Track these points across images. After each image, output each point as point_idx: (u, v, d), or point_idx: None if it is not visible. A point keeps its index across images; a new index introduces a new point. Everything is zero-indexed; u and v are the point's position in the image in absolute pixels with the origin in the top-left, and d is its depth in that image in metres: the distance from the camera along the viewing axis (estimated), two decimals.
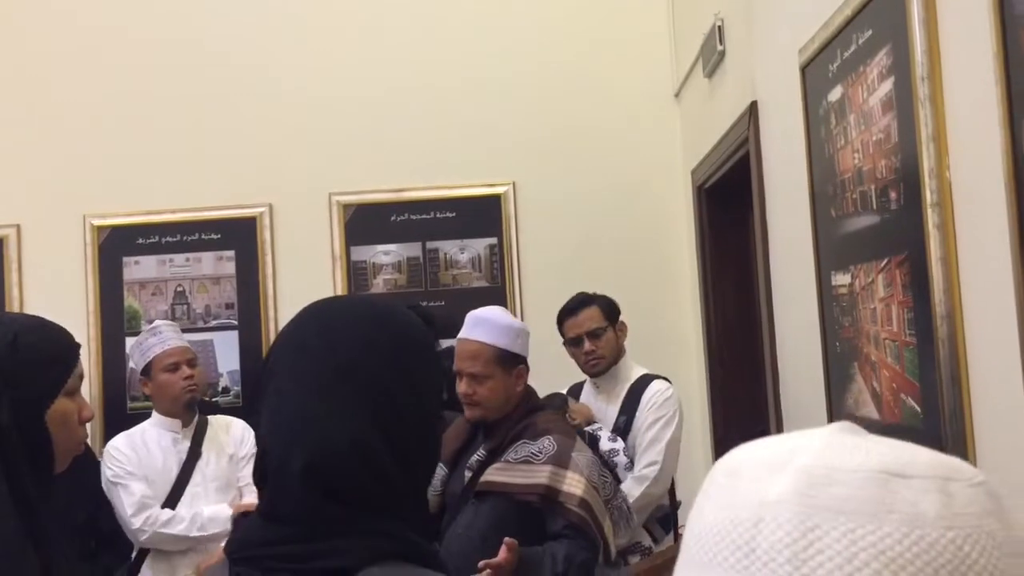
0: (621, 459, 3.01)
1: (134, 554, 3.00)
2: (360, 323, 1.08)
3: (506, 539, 2.18)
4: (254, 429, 1.09)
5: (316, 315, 1.12)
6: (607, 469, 2.81)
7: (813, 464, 0.57)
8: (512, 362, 2.50)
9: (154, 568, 2.89)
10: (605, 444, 3.03)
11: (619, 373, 3.21)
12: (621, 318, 3.27)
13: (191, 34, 4.92)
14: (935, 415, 1.89)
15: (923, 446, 1.80)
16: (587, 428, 3.08)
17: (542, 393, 2.69)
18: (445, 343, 4.63)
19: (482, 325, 2.52)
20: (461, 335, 2.53)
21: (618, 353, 3.22)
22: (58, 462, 1.40)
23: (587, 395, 3.29)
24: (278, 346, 1.10)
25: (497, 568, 2.15)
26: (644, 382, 3.16)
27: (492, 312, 2.61)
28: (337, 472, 0.98)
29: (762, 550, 0.54)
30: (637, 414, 3.08)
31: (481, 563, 2.19)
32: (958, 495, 0.56)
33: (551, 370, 3.96)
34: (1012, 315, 1.55)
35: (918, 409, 1.98)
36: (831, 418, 2.55)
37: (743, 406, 4.12)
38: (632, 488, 2.95)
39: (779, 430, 3.13)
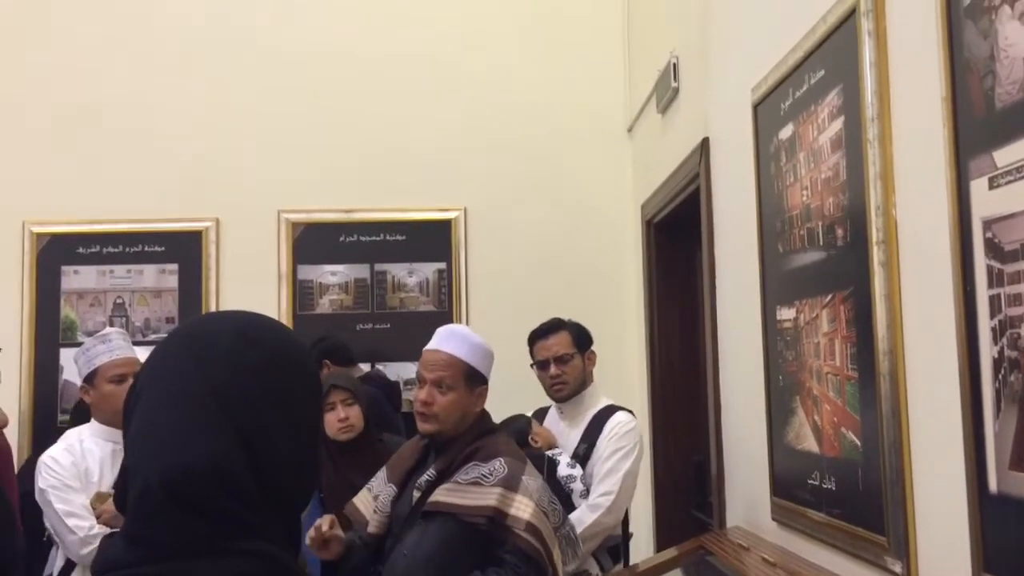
0: (578, 486, 3.00)
1: (59, 564, 2.90)
2: (231, 343, 1.07)
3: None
4: (124, 451, 1.07)
5: (187, 334, 1.11)
6: (557, 496, 2.81)
7: None
8: (477, 381, 2.49)
9: None
10: (564, 470, 3.02)
11: (584, 401, 3.20)
12: (592, 347, 3.26)
13: (142, 42, 4.85)
14: (875, 449, 1.92)
15: (863, 480, 1.82)
16: (548, 452, 3.07)
17: (500, 416, 2.66)
18: (382, 367, 4.63)
19: (455, 339, 2.51)
20: (431, 346, 2.51)
21: (584, 381, 3.21)
22: None
23: (551, 420, 3.28)
24: (148, 367, 1.08)
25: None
26: (608, 412, 3.15)
27: (464, 329, 2.61)
28: (194, 490, 0.97)
29: None
30: (598, 443, 3.07)
31: None
32: None
33: (497, 395, 3.96)
34: (952, 352, 1.58)
35: (858, 443, 2.01)
36: (771, 451, 2.58)
37: (684, 437, 4.16)
38: (585, 516, 2.93)
39: (719, 462, 3.16)
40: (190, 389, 1.02)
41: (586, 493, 2.99)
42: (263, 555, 0.99)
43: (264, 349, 1.07)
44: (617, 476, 2.98)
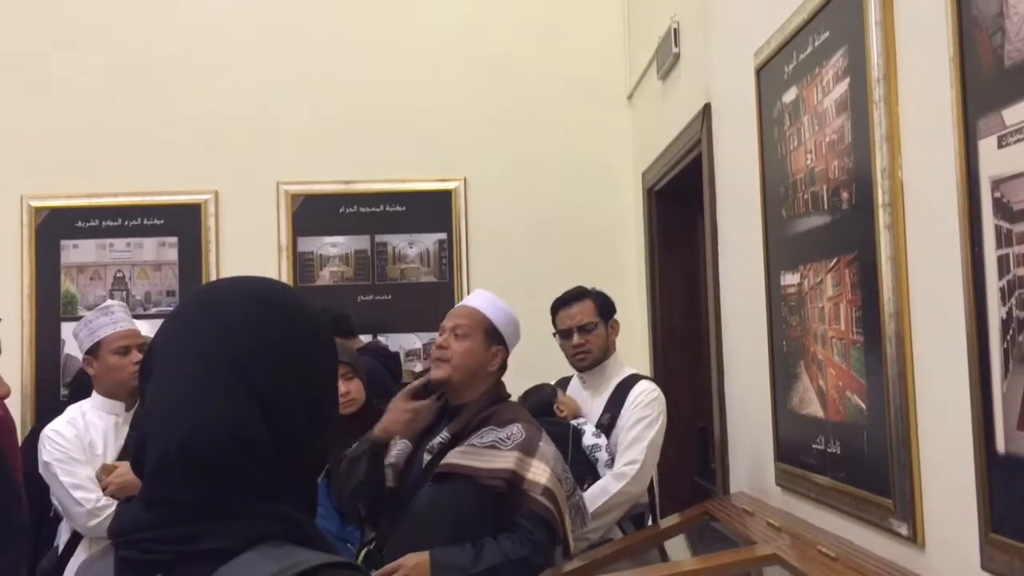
0: (602, 455, 2.98)
1: (65, 537, 2.91)
2: (248, 308, 1.06)
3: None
4: (139, 415, 1.07)
5: (204, 299, 1.11)
6: (582, 466, 2.83)
7: None
8: (495, 338, 2.52)
9: (92, 549, 2.80)
10: (589, 439, 3.00)
11: (607, 370, 3.16)
12: (616, 316, 3.24)
13: (141, 16, 4.81)
14: (880, 412, 1.92)
15: (868, 443, 1.81)
16: (573, 422, 3.06)
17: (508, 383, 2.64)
18: (383, 338, 4.63)
19: (482, 297, 2.63)
20: (460, 303, 2.67)
21: (607, 350, 3.18)
22: None
23: (574, 389, 3.25)
24: (165, 330, 1.08)
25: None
26: (631, 381, 3.11)
27: (496, 296, 2.67)
28: (212, 452, 0.97)
29: None
30: (622, 412, 3.03)
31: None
32: None
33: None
34: (960, 314, 1.58)
35: (863, 407, 2.01)
36: (775, 416, 2.58)
37: (687, 404, 4.16)
38: (610, 485, 2.91)
39: (722, 428, 3.16)
40: (206, 356, 1.02)
41: (611, 462, 2.96)
42: (282, 517, 0.99)
43: (278, 315, 1.07)
44: (642, 445, 2.94)
